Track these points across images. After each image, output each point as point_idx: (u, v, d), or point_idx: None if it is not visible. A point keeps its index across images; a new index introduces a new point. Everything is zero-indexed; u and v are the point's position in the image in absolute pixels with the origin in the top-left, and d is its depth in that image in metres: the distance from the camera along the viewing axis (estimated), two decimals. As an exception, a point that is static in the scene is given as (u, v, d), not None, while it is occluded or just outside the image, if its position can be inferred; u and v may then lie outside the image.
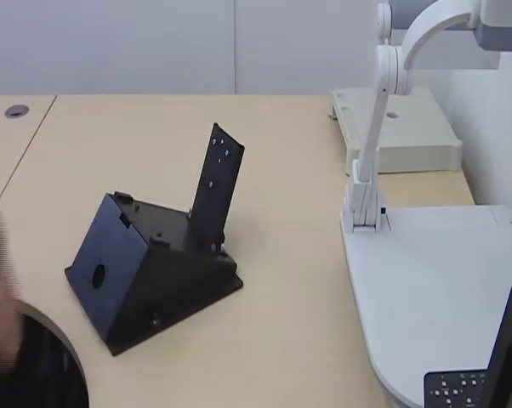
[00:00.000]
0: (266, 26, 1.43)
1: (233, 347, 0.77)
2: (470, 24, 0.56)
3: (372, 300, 0.70)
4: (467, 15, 0.56)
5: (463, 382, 0.60)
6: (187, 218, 0.88)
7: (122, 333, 0.76)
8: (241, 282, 0.84)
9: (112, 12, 1.39)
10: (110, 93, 1.25)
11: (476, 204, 0.97)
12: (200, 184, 0.87)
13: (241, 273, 0.85)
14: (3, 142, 1.10)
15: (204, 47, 1.44)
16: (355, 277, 0.73)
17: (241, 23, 1.43)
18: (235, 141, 0.82)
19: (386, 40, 0.72)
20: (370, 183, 0.75)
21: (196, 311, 0.80)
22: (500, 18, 0.53)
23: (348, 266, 0.75)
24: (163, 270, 0.77)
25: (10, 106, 1.19)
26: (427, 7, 0.60)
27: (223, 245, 0.84)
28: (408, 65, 0.63)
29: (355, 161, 0.77)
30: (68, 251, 0.85)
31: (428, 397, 0.59)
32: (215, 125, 0.86)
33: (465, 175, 1.02)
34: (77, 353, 0.75)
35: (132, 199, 0.85)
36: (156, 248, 0.75)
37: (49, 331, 0.81)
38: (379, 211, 0.78)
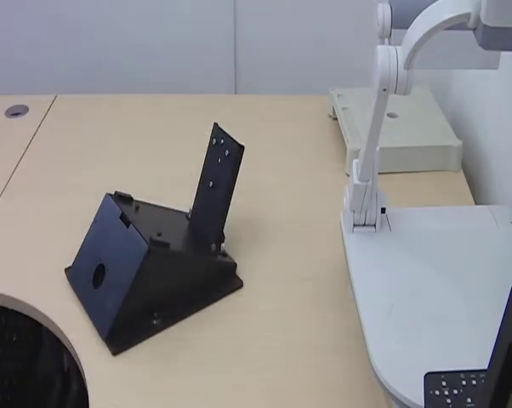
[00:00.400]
0: (266, 26, 1.43)
1: (233, 347, 0.77)
2: (470, 24, 0.56)
3: (372, 300, 0.70)
4: (467, 15, 0.56)
5: (463, 382, 0.60)
6: (187, 217, 0.88)
7: (122, 333, 0.76)
8: (241, 282, 0.84)
9: (112, 12, 1.39)
10: (110, 93, 1.25)
11: (476, 204, 0.97)
12: (200, 184, 0.87)
13: (241, 273, 0.85)
14: (3, 142, 1.10)
15: (204, 47, 1.44)
16: (355, 277, 0.73)
17: (241, 23, 1.43)
18: (235, 141, 0.82)
19: (386, 40, 0.72)
20: (370, 183, 0.75)
21: (195, 311, 0.80)
22: (500, 18, 0.53)
23: (348, 266, 0.75)
24: (163, 270, 0.77)
25: (10, 106, 1.19)
26: (427, 7, 0.60)
27: (223, 245, 0.84)
28: (408, 65, 0.63)
29: (355, 161, 0.77)
30: (68, 251, 0.85)
31: (428, 397, 0.59)
32: (215, 125, 0.86)
33: (465, 175, 1.02)
34: (77, 353, 0.75)
35: (132, 199, 0.85)
36: (156, 248, 0.75)
37: (49, 331, 0.81)
38: (379, 211, 0.78)
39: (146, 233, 0.76)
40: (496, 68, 0.73)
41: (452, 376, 0.60)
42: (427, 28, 0.59)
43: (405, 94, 0.64)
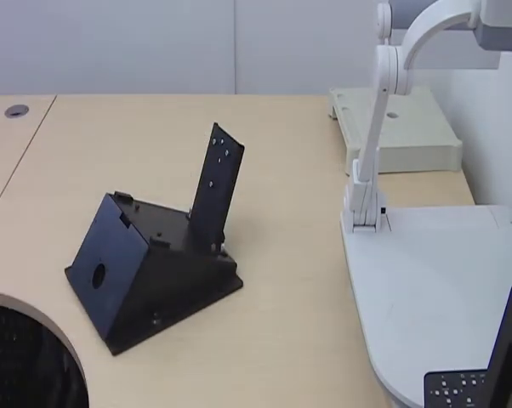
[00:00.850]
0: (266, 26, 1.43)
1: (233, 347, 0.77)
2: (470, 24, 0.56)
3: (372, 300, 0.70)
4: (467, 15, 0.56)
5: (463, 382, 0.60)
6: (187, 217, 0.88)
7: (122, 333, 0.76)
8: (241, 282, 0.84)
9: (112, 12, 1.39)
10: (110, 93, 1.25)
11: (476, 204, 0.97)
12: (200, 184, 0.87)
13: (241, 273, 0.85)
14: (3, 142, 1.10)
15: (204, 47, 1.44)
16: (355, 277, 0.73)
17: (241, 23, 1.43)
18: (235, 141, 0.82)
19: (386, 40, 0.72)
20: (370, 183, 0.75)
21: (195, 311, 0.80)
22: (500, 18, 0.53)
23: (348, 266, 0.75)
24: (163, 270, 0.77)
25: (10, 106, 1.19)
26: (427, 7, 0.60)
27: (223, 245, 0.84)
28: (408, 65, 0.63)
29: (355, 161, 0.77)
30: (68, 251, 0.85)
31: (428, 397, 0.59)
32: (215, 125, 0.86)
33: (465, 175, 1.02)
34: (77, 353, 0.75)
35: (132, 199, 0.85)
36: (156, 248, 0.75)
37: (49, 331, 0.81)
38: (379, 211, 0.78)
39: (146, 233, 0.76)
40: (496, 68, 0.73)
41: (452, 376, 0.60)
42: (427, 28, 0.59)
43: (405, 94, 0.64)
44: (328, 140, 1.10)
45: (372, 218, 0.78)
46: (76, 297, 0.81)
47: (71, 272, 0.84)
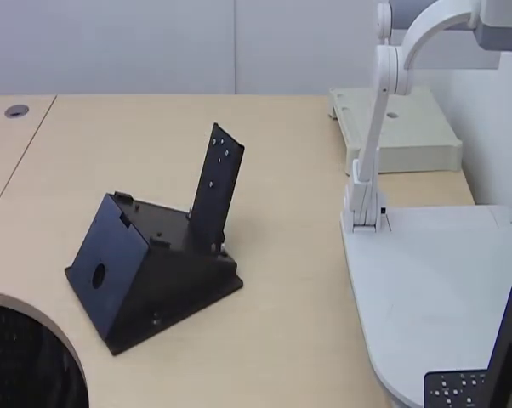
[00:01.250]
0: (266, 26, 1.43)
1: (233, 347, 0.77)
2: (470, 24, 0.56)
3: (372, 300, 0.70)
4: (467, 15, 0.56)
5: (463, 382, 0.60)
6: (187, 217, 0.88)
7: (122, 333, 0.76)
8: (241, 282, 0.84)
9: (112, 12, 1.39)
10: (110, 93, 1.25)
11: (476, 204, 0.97)
12: (200, 184, 0.87)
13: (241, 273, 0.85)
14: (3, 142, 1.10)
15: (204, 46, 1.44)
16: (355, 277, 0.73)
17: (241, 23, 1.43)
18: (235, 141, 0.82)
19: (386, 40, 0.72)
20: (370, 183, 0.75)
21: (195, 311, 0.80)
22: (500, 18, 0.53)
23: (348, 266, 0.75)
24: (163, 270, 0.77)
25: (10, 106, 1.19)
26: (427, 7, 0.60)
27: (223, 245, 0.84)
28: (408, 65, 0.63)
29: (355, 161, 0.77)
30: (68, 251, 0.85)
31: (428, 397, 0.59)
32: (215, 125, 0.86)
33: (465, 175, 1.02)
34: (77, 353, 0.75)
35: (132, 199, 0.85)
36: (156, 248, 0.75)
37: (49, 331, 0.81)
38: (379, 211, 0.78)
39: (146, 233, 0.76)
40: (496, 68, 0.73)
41: (452, 376, 0.60)
42: (427, 28, 0.59)
43: (405, 94, 0.64)
44: (328, 140, 1.10)
45: (372, 218, 0.78)
46: (76, 297, 0.81)
47: (71, 272, 0.84)
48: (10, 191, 1.00)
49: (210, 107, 1.17)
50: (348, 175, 0.98)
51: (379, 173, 0.76)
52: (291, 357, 0.76)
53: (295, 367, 0.74)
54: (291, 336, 0.78)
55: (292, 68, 1.45)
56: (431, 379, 0.60)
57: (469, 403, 0.59)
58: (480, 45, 0.55)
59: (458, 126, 1.09)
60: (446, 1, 0.59)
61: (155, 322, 0.78)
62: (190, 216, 0.88)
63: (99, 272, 0.79)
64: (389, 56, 0.63)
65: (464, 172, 1.03)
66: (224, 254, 0.85)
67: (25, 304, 0.82)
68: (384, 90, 0.64)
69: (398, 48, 0.64)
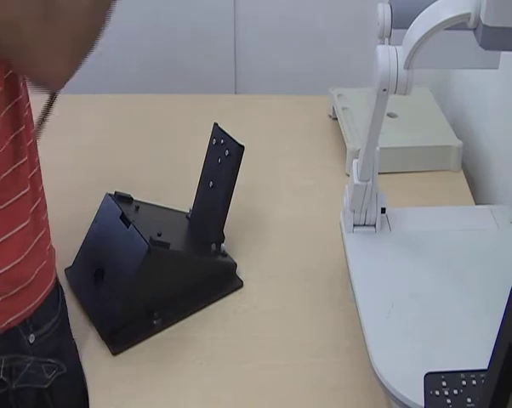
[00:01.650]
0: (266, 27, 1.43)
1: (233, 346, 0.77)
2: (470, 24, 0.56)
3: (372, 300, 0.70)
4: (467, 15, 0.56)
5: (463, 382, 0.60)
6: (187, 217, 0.88)
7: (122, 333, 0.76)
8: (241, 282, 0.84)
9: (112, 12, 1.39)
10: (111, 93, 1.25)
11: (476, 204, 0.97)
12: (200, 184, 0.87)
13: (241, 273, 0.85)
14: (3, 142, 1.10)
15: (204, 47, 1.44)
16: (355, 277, 0.73)
17: (241, 23, 1.43)
18: (235, 141, 0.82)
19: (386, 40, 0.72)
20: (370, 183, 0.75)
21: (195, 311, 0.80)
22: (500, 18, 0.53)
23: (348, 266, 0.75)
24: (163, 270, 0.77)
25: (10, 106, 1.18)
26: (427, 7, 0.60)
27: (223, 245, 0.84)
28: (408, 65, 0.63)
29: (355, 161, 0.77)
30: (68, 251, 0.85)
31: (428, 397, 0.59)
32: (215, 125, 0.86)
33: (465, 175, 1.02)
34: (77, 353, 0.75)
35: (132, 199, 0.85)
36: (156, 248, 0.75)
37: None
38: (379, 211, 0.78)
39: (146, 233, 0.76)
40: (496, 68, 0.73)
41: (452, 376, 0.60)
42: (427, 28, 0.59)
43: (405, 94, 0.64)
44: (328, 140, 1.10)
45: (372, 218, 0.78)
46: (77, 297, 0.81)
47: (71, 272, 0.84)
48: (10, 191, 1.00)
49: (210, 107, 1.17)
50: (348, 175, 0.98)
51: (379, 173, 0.76)
52: (291, 357, 0.76)
53: (295, 367, 0.74)
54: (291, 336, 0.78)
55: (293, 68, 1.45)
56: (431, 379, 0.60)
57: (469, 403, 0.59)
58: (481, 45, 0.55)
59: (458, 126, 1.09)
60: (446, 1, 0.59)
61: (155, 322, 0.78)
62: (190, 216, 0.88)
63: (100, 272, 0.79)
64: (389, 56, 0.63)
65: (464, 172, 1.03)
66: (224, 254, 0.85)
67: (25, 304, 0.82)
68: (384, 90, 0.64)
69: (398, 48, 0.64)
